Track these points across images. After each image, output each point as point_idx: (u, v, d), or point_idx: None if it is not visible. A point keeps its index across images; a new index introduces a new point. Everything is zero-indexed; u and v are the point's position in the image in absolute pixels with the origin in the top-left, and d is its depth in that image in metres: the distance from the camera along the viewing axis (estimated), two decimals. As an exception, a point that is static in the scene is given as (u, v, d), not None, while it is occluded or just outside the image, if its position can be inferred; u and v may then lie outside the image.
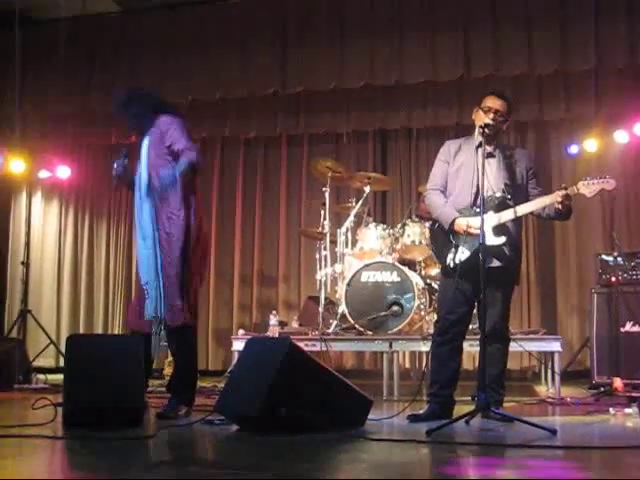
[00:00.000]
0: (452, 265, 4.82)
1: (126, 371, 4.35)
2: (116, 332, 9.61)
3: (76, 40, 9.07)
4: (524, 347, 6.16)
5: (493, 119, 4.83)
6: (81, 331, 9.65)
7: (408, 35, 8.29)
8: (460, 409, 4.67)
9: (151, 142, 5.19)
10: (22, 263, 9.08)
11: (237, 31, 8.71)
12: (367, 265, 6.92)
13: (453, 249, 4.83)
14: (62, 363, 6.81)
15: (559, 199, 4.70)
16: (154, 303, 4.87)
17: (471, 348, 5.92)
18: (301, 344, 5.41)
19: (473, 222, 4.69)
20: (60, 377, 5.27)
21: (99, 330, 9.71)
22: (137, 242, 5.11)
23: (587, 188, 4.73)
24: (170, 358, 8.63)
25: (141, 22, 9.03)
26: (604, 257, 7.25)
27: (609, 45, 7.81)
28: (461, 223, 4.77)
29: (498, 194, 4.81)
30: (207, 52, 8.75)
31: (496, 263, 4.75)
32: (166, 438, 3.94)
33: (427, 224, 6.92)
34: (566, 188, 4.71)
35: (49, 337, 8.48)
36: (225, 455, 3.65)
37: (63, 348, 4.47)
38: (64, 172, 9.75)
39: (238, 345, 6.73)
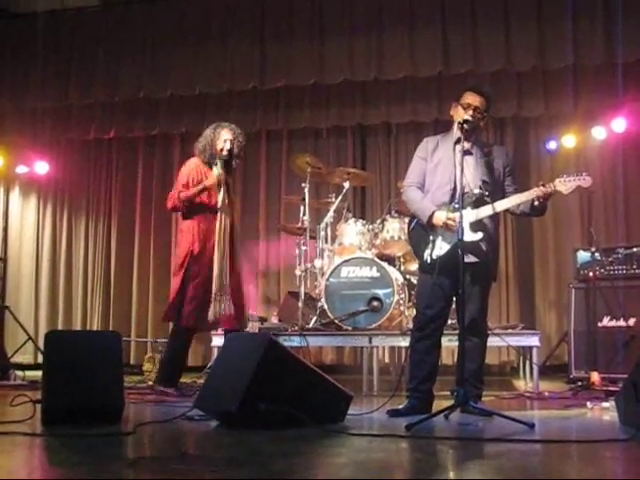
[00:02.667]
0: (429, 260, 4.84)
1: (105, 367, 4.32)
2: (95, 328, 9.58)
3: (55, 34, 9.05)
4: (504, 340, 6.19)
5: (472, 115, 4.85)
6: (60, 327, 9.61)
7: (387, 31, 8.31)
8: (439, 404, 4.69)
9: None
10: (0, 259, 9.02)
11: (216, 26, 8.70)
12: (347, 260, 6.93)
13: (430, 244, 4.86)
14: (40, 359, 6.78)
15: (537, 196, 4.74)
16: None
17: (450, 343, 5.93)
18: (281, 339, 5.42)
19: (452, 215, 4.72)
20: (39, 374, 5.25)
21: (77, 326, 9.68)
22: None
23: (563, 185, 4.76)
24: (150, 354, 8.63)
25: (120, 16, 9.00)
26: (582, 252, 7.30)
27: (587, 43, 7.86)
28: (440, 216, 4.78)
29: (476, 190, 4.82)
30: (186, 47, 8.72)
31: (473, 259, 4.77)
32: (146, 434, 3.93)
33: (407, 219, 6.95)
34: (544, 185, 4.75)
35: (27, 333, 8.42)
36: (205, 451, 3.64)
37: (41, 344, 4.44)
38: (42, 167, 9.72)
39: (218, 341, 6.73)
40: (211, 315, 5.88)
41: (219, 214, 6.01)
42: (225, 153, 6.07)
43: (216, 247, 5.94)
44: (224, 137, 6.10)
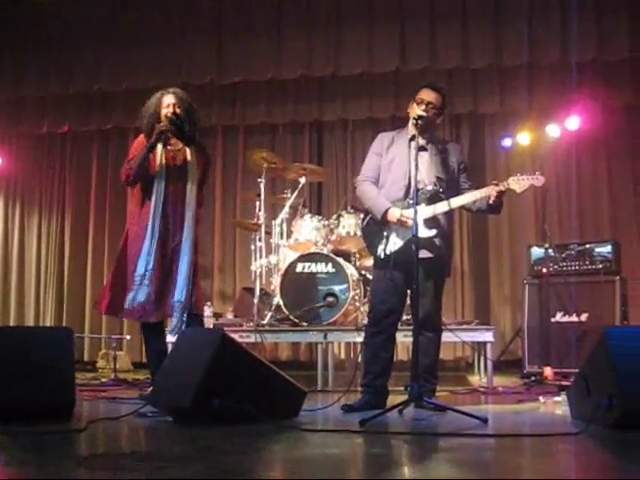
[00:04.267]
0: (383, 256, 4.86)
1: (57, 364, 4.27)
2: (48, 324, 9.45)
3: (8, 24, 8.89)
4: (457, 336, 6.23)
5: (425, 110, 4.87)
6: (12, 323, 9.48)
7: (345, 26, 8.34)
8: (394, 399, 4.70)
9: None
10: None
11: (174, 19, 8.65)
12: (302, 256, 6.93)
13: (384, 240, 4.87)
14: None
15: (491, 194, 4.78)
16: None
17: (405, 339, 5.95)
18: (236, 335, 5.39)
19: (407, 213, 4.73)
20: (-12, 370, 5.16)
21: (30, 322, 9.55)
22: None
23: (517, 184, 4.82)
24: (104, 350, 8.53)
25: (76, 8, 8.86)
26: (536, 249, 7.38)
27: (542, 41, 7.96)
28: (394, 212, 4.80)
29: (430, 187, 4.86)
30: (143, 40, 8.66)
31: (427, 254, 4.78)
32: (98, 431, 3.89)
33: (362, 215, 6.96)
34: (497, 183, 4.81)
35: (-22, 330, 8.30)
36: (158, 447, 3.62)
37: (-9, 341, 4.37)
38: (-6, 162, 9.57)
39: (172, 337, 6.67)
40: (126, 304, 5.13)
41: (155, 185, 5.23)
42: (169, 117, 5.23)
43: (148, 223, 5.17)
44: (166, 102, 5.29)
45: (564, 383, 5.84)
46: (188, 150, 5.36)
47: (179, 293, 5.15)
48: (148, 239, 5.17)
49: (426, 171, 4.89)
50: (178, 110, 5.29)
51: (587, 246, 7.18)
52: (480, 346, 6.86)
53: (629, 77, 8.31)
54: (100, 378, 7.28)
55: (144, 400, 4.71)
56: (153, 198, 5.22)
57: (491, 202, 4.84)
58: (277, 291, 6.90)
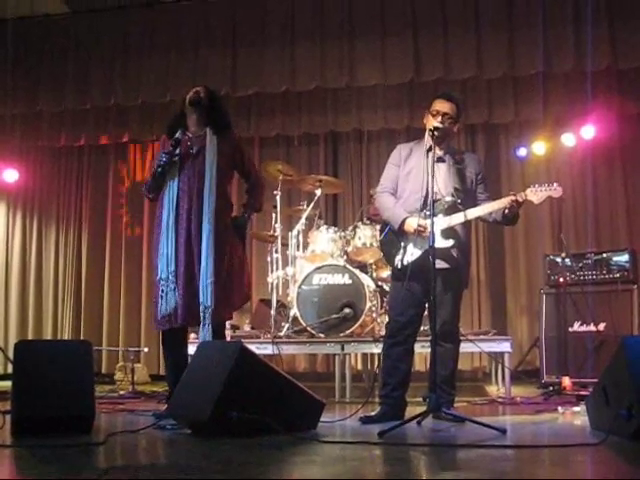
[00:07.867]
0: (400, 266, 4.86)
1: (75, 377, 4.29)
2: (65, 337, 9.49)
3: (24, 41, 8.96)
4: (477, 346, 6.21)
5: (441, 122, 4.87)
6: (30, 337, 9.52)
7: (359, 38, 8.34)
8: (412, 410, 4.70)
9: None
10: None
11: (188, 33, 8.67)
12: (318, 268, 6.93)
13: (401, 250, 4.87)
14: (10, 369, 6.71)
15: (508, 205, 4.78)
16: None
17: (423, 349, 5.95)
18: (253, 347, 5.40)
19: (424, 222, 4.73)
20: (8, 384, 5.19)
21: (48, 336, 9.58)
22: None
23: (535, 195, 4.81)
24: (121, 363, 8.54)
25: (90, 23, 8.92)
26: (552, 258, 7.36)
27: (556, 50, 7.93)
28: (411, 223, 4.80)
29: (447, 198, 4.85)
30: (157, 54, 8.69)
31: (444, 265, 4.78)
32: (117, 444, 3.90)
33: (378, 226, 6.96)
34: (515, 194, 4.79)
35: (-4, 343, 8.34)
36: (177, 460, 3.62)
37: (11, 354, 4.39)
38: (11, 175, 9.62)
39: (190, 349, 6.68)
40: (158, 313, 4.97)
41: (167, 177, 5.00)
42: (190, 98, 5.03)
43: (162, 222, 4.97)
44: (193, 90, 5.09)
45: (582, 393, 5.81)
46: (209, 137, 5.05)
47: (204, 297, 4.89)
48: (164, 239, 4.93)
49: (444, 182, 4.90)
50: (204, 99, 5.07)
51: (604, 255, 7.15)
52: (497, 356, 6.83)
53: (644, 85, 8.29)
54: (118, 390, 7.29)
55: (157, 417, 4.73)
56: (166, 192, 4.99)
57: (507, 212, 4.84)
58: (294, 303, 6.91)
